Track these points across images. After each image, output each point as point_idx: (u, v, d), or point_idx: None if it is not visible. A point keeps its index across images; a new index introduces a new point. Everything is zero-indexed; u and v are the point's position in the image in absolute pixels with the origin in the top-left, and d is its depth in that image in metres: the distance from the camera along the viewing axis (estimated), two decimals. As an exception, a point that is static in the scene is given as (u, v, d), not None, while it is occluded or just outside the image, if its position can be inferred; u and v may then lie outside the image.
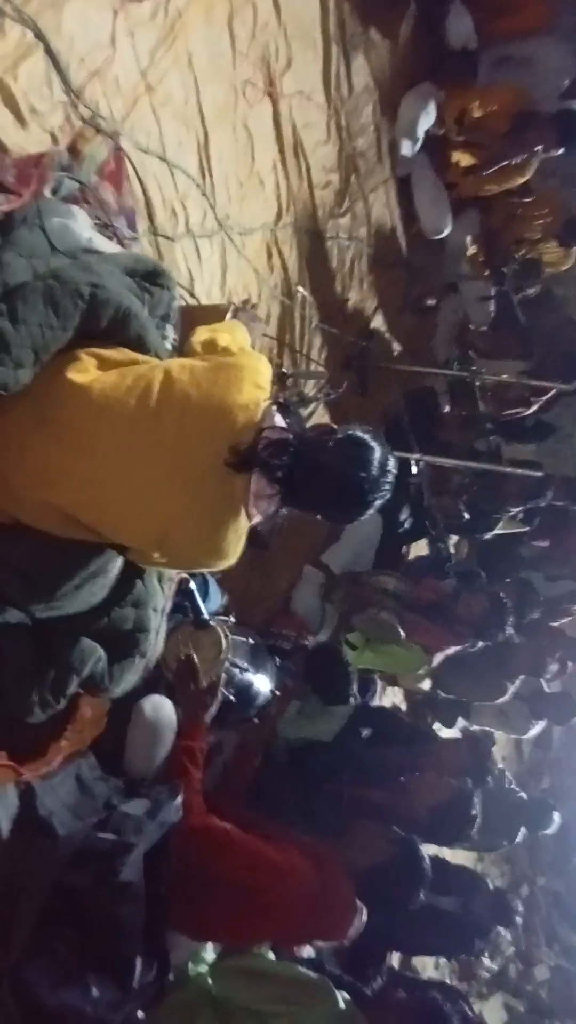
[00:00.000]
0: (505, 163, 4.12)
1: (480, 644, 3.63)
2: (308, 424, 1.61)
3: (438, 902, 3.60)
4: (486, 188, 4.38)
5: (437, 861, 3.79)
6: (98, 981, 1.84)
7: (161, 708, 2.15)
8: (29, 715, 1.64)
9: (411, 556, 4.65)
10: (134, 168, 2.26)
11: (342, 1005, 2.19)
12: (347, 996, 2.25)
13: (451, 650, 3.55)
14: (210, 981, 2.16)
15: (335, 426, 1.58)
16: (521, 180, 4.36)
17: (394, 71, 4.05)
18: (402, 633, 3.35)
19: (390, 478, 1.52)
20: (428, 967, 4.79)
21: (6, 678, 1.60)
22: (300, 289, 3.28)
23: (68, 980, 1.80)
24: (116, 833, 1.81)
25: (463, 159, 4.28)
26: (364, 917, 2.11)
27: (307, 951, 2.63)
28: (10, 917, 1.80)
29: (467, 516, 4.12)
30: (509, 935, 6.09)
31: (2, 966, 1.75)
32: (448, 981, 5.11)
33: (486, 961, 5.79)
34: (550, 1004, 6.68)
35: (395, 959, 4.02)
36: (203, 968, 2.20)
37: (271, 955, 2.32)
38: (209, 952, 2.26)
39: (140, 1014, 1.98)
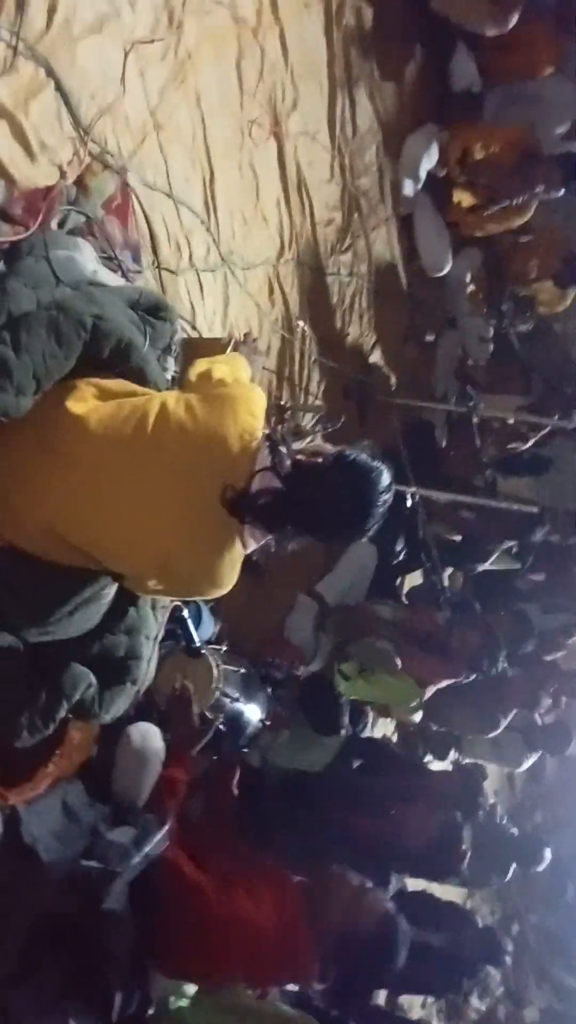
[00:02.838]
0: (507, 204, 4.20)
1: (472, 678, 3.63)
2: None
3: (426, 939, 3.56)
4: (487, 228, 4.46)
5: (425, 897, 3.77)
6: (79, 1012, 1.83)
7: (149, 736, 2.15)
8: (17, 739, 1.65)
9: (406, 587, 4.66)
10: (140, 203, 2.31)
11: (324, 1044, 2.17)
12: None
13: (443, 683, 3.55)
14: (189, 1017, 2.13)
15: (329, 447, 1.60)
16: (521, 221, 4.44)
17: (398, 112, 4.15)
18: (399, 662, 3.35)
19: (385, 496, 1.53)
20: (415, 1006, 4.72)
21: (-3, 702, 1.61)
22: (300, 323, 3.34)
23: (49, 1008, 1.79)
24: (101, 861, 1.81)
25: (465, 199, 4.36)
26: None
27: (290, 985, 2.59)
28: (-6, 944, 1.79)
29: (459, 538, 4.13)
30: (499, 974, 6.02)
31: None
32: (435, 1021, 5.04)
33: (475, 1001, 5.70)
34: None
35: (382, 996, 3.97)
36: (184, 1003, 2.17)
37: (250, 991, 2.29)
38: (191, 986, 2.24)
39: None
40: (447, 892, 4.16)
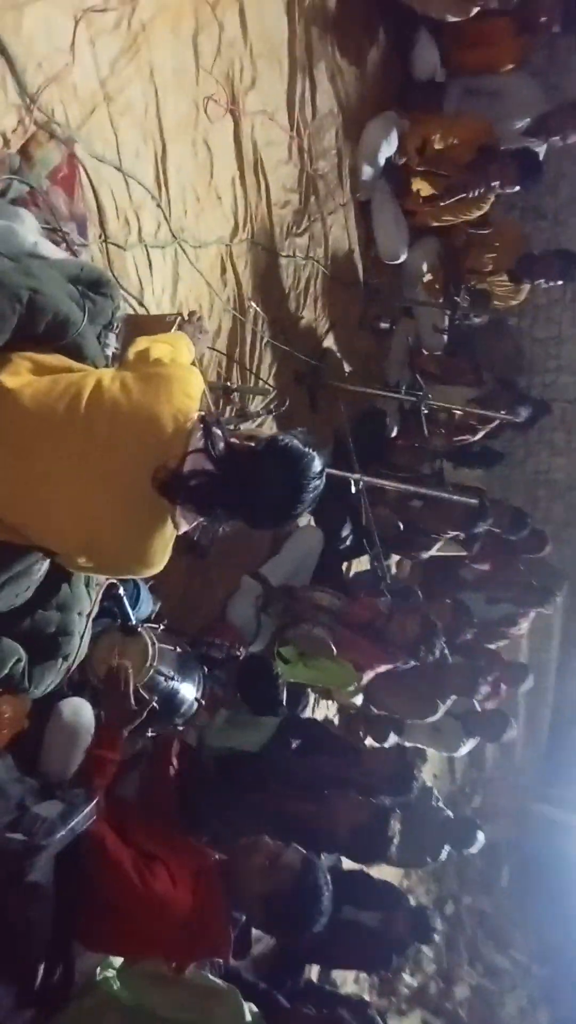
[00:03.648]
0: (463, 195, 4.23)
1: (412, 663, 3.69)
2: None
3: (358, 917, 3.64)
4: (444, 218, 4.49)
5: (359, 876, 3.84)
6: (1, 982, 1.83)
7: (81, 712, 2.15)
8: (-57, 712, 1.64)
9: (352, 573, 4.71)
10: (88, 175, 2.28)
11: (248, 1017, 2.21)
12: (254, 1008, 2.26)
13: (382, 668, 3.60)
14: (116, 986, 2.16)
15: (261, 432, 1.61)
16: (478, 213, 4.47)
17: (359, 96, 4.14)
18: (334, 649, 3.39)
19: (315, 482, 1.55)
20: (348, 981, 4.81)
21: None
22: (252, 304, 3.33)
23: (-29, 981, 1.79)
24: (27, 834, 1.80)
25: (423, 188, 4.38)
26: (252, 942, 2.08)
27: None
28: None
29: (401, 527, 4.18)
30: (431, 952, 6.16)
31: None
32: (367, 996, 5.14)
33: (406, 977, 5.83)
34: (469, 1023, 6.74)
35: (315, 971, 4.04)
36: (110, 973, 2.20)
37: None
38: (118, 959, 2.26)
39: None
40: (383, 872, 4.25)
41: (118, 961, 2.27)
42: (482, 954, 7.44)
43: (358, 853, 3.05)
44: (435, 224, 4.62)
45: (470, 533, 4.44)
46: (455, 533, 4.46)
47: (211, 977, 2.38)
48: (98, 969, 2.22)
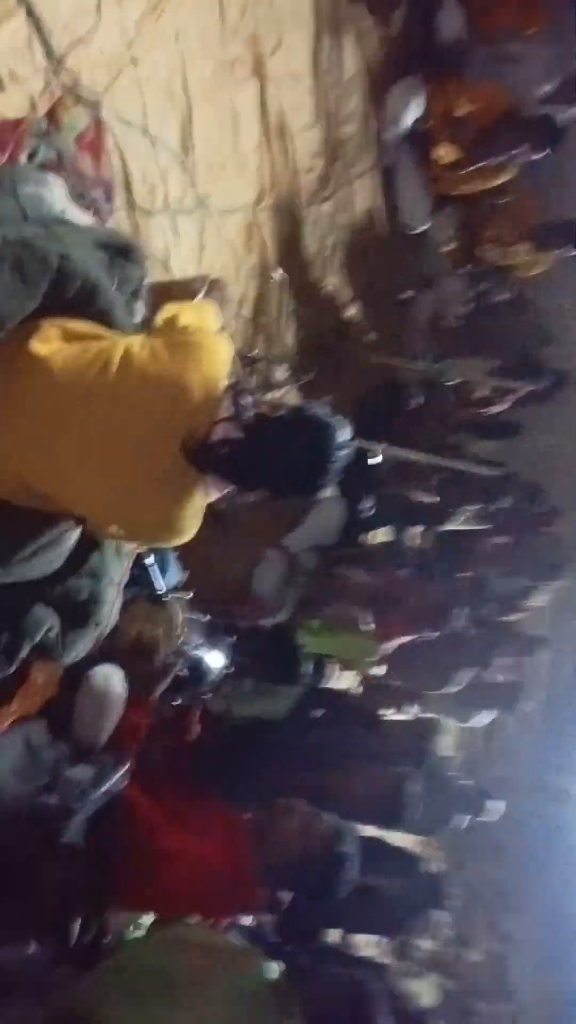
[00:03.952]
0: (485, 162, 4.16)
1: (432, 635, 3.70)
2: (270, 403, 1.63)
3: (377, 883, 3.69)
4: (465, 186, 4.41)
5: (377, 843, 3.89)
6: (36, 941, 1.88)
7: (111, 679, 2.18)
8: (-21, 678, 1.67)
9: (372, 544, 4.71)
10: (115, 139, 2.26)
11: (273, 975, 2.25)
12: (277, 966, 2.31)
13: (402, 639, 3.62)
14: (144, 947, 2.20)
15: (290, 401, 1.60)
16: (499, 181, 4.40)
17: (384, 60, 4.06)
18: (371, 626, 3.41)
19: (341, 452, 1.54)
20: (366, 945, 4.90)
21: (-44, 640, 1.62)
22: (279, 270, 3.29)
23: (7, 938, 1.83)
24: (61, 797, 1.84)
25: (446, 155, 4.30)
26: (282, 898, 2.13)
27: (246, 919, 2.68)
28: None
29: (425, 498, 4.17)
30: (446, 918, 6.25)
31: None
32: (384, 959, 5.24)
33: (423, 942, 5.93)
34: (482, 986, 6.87)
35: (334, 935, 4.11)
36: (140, 933, 2.25)
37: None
38: (146, 919, 2.31)
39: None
40: (402, 839, 4.30)
41: (147, 920, 2.32)
42: (495, 920, 7.55)
43: (379, 820, 3.08)
44: (458, 192, 4.55)
45: (490, 507, 4.43)
46: (475, 507, 4.45)
47: (234, 939, 2.43)
48: (130, 927, 2.27)
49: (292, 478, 1.57)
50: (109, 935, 2.11)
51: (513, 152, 4.09)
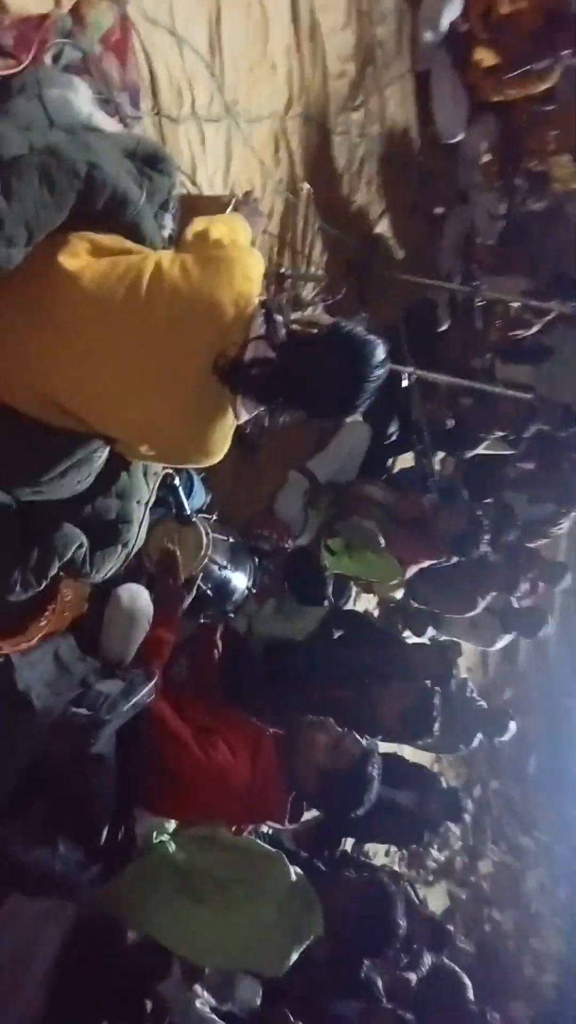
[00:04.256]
0: (528, 66, 3.93)
1: (455, 560, 3.71)
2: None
3: (393, 795, 3.81)
4: (506, 92, 4.19)
5: (396, 758, 4.01)
6: (67, 843, 1.97)
7: (138, 597, 2.22)
8: (10, 594, 1.70)
9: (396, 469, 4.68)
10: (140, 40, 2.15)
11: (294, 877, 2.36)
12: (299, 870, 2.42)
13: (425, 563, 3.63)
14: (171, 848, 2.31)
15: (326, 319, 1.56)
16: (544, 87, 4.16)
17: (422, -45, 3.81)
18: (382, 542, 3.42)
19: (378, 371, 1.51)
20: (379, 853, 5.12)
21: (-10, 556, 1.64)
22: (306, 185, 3.18)
23: (40, 840, 1.92)
24: (91, 709, 1.90)
25: (486, 58, 4.07)
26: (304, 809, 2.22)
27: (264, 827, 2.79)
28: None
29: (452, 423, 4.11)
30: (458, 830, 6.49)
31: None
32: (397, 867, 5.47)
33: (434, 852, 6.18)
34: (491, 895, 7.18)
35: (349, 843, 4.29)
36: (165, 837, 2.35)
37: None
38: (171, 824, 2.41)
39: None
40: (416, 756, 4.42)
41: (171, 825, 2.42)
42: (506, 834, 7.83)
43: (403, 733, 3.16)
44: (496, 99, 4.32)
45: (520, 434, 4.36)
46: (503, 432, 4.39)
47: (259, 842, 2.53)
48: (154, 833, 2.37)
49: (328, 398, 1.55)
50: (137, 838, 2.21)
51: (559, 56, 3.84)
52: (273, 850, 2.41)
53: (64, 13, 1.80)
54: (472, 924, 6.75)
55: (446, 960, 3.63)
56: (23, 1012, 2.04)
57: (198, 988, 2.48)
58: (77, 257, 1.52)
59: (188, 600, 2.15)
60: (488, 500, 4.86)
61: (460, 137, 4.33)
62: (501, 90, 4.18)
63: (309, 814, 2.65)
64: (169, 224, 1.86)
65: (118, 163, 1.61)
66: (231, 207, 2.12)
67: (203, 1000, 2.45)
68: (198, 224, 1.69)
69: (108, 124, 1.80)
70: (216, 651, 2.69)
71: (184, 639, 2.68)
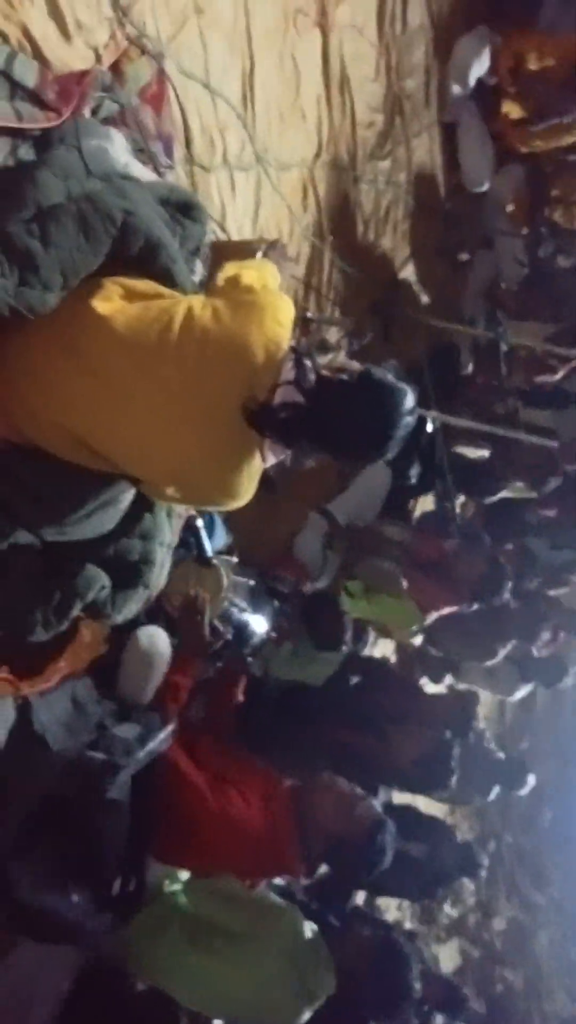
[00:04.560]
0: (557, 119, 3.99)
1: (476, 606, 3.67)
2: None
3: (407, 848, 3.72)
4: (534, 143, 4.25)
5: (410, 810, 3.93)
6: (78, 889, 1.93)
7: (156, 639, 2.20)
8: (31, 634, 1.68)
9: (417, 512, 4.66)
10: (175, 92, 2.20)
11: (308, 933, 2.29)
12: (313, 925, 2.35)
13: (446, 610, 3.59)
14: (182, 899, 2.26)
15: (355, 364, 1.56)
16: (571, 139, 4.22)
17: (451, 11, 3.90)
18: (404, 584, 3.39)
19: (408, 418, 1.51)
20: (391, 908, 4.98)
21: (12, 596, 1.63)
22: (329, 237, 3.21)
23: (49, 884, 1.88)
24: (107, 753, 1.87)
25: (513, 111, 4.14)
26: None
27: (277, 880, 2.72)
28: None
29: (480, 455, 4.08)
30: (472, 885, 6.32)
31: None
32: (409, 922, 5.33)
33: (447, 907, 6.01)
34: (504, 953, 6.97)
35: (360, 897, 4.18)
36: (177, 887, 2.30)
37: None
38: (184, 873, 2.36)
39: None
40: (430, 807, 4.33)
41: (184, 875, 2.37)
42: (520, 889, 7.62)
43: (418, 783, 3.10)
44: (524, 150, 4.38)
45: (540, 485, 4.35)
46: (519, 484, 4.37)
47: (271, 895, 2.47)
48: (166, 882, 2.32)
49: (357, 444, 1.54)
50: (148, 888, 2.16)
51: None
52: (284, 904, 2.35)
53: (104, 69, 1.84)
54: (484, 983, 6.54)
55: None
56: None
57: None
58: (110, 301, 1.54)
59: (213, 646, 2.13)
60: (510, 545, 4.82)
61: (486, 187, 4.39)
62: (529, 141, 4.24)
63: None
64: (200, 270, 1.89)
65: (153, 210, 1.64)
66: (261, 253, 2.14)
67: (210, 1057, 2.38)
68: (229, 269, 1.71)
69: (143, 173, 1.83)
70: (235, 701, 2.66)
71: (202, 680, 2.65)
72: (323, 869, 3.16)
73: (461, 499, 5.10)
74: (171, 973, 2.16)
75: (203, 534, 2.25)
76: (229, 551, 2.64)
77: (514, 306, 4.77)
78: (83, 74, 1.73)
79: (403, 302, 3.97)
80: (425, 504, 4.70)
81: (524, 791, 4.44)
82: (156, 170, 2.07)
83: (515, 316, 4.66)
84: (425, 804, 4.12)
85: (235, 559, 2.48)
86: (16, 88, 1.61)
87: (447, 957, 5.94)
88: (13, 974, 2.08)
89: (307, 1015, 2.19)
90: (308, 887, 3.27)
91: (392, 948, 2.41)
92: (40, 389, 1.54)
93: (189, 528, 2.22)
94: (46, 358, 1.53)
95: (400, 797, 3.82)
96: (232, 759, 2.28)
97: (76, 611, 1.74)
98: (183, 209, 1.77)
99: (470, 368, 4.54)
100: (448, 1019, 3.49)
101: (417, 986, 2.36)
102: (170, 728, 1.98)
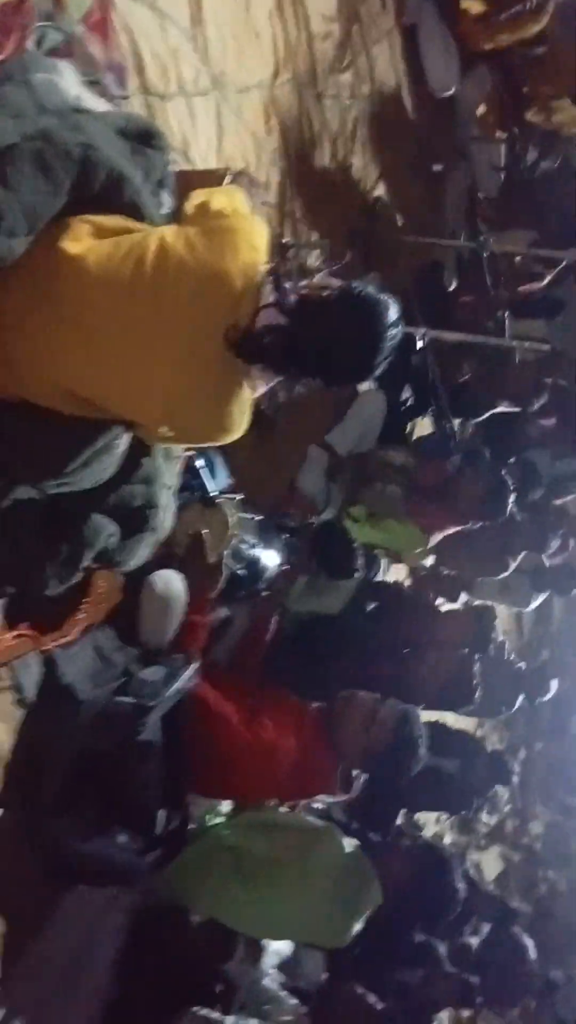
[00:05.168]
0: (519, 8, 3.82)
1: (480, 524, 3.66)
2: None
3: (439, 764, 3.80)
4: (498, 38, 4.08)
5: (438, 726, 3.99)
6: (123, 832, 1.98)
7: (171, 582, 2.21)
8: (45, 588, 1.69)
9: (416, 436, 4.63)
10: (121, 18, 2.11)
11: (348, 849, 2.36)
12: (354, 841, 2.42)
13: (451, 530, 3.59)
14: (225, 832, 2.32)
15: (334, 281, 1.53)
16: (536, 28, 4.05)
17: None
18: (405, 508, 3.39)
19: (393, 331, 1.48)
20: (430, 822, 5.12)
21: (22, 552, 1.63)
22: (299, 155, 3.11)
23: (95, 832, 1.93)
24: (135, 697, 1.90)
25: (473, 6, 3.98)
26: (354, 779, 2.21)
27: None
28: (38, 777, 1.92)
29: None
30: (507, 793, 6.48)
31: (33, 822, 1.88)
32: (449, 834, 5.49)
33: (485, 817, 6.17)
34: (544, 855, 7.19)
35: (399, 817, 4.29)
36: (219, 820, 2.36)
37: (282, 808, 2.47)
38: (225, 806, 2.41)
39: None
40: (458, 721, 4.41)
41: (225, 807, 2.43)
42: (554, 794, 7.81)
43: (445, 702, 3.15)
44: (488, 47, 4.21)
45: (527, 408, 4.30)
46: (506, 408, 4.33)
47: (310, 818, 2.53)
48: (207, 816, 2.38)
49: (344, 361, 1.51)
50: (192, 823, 2.22)
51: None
52: (324, 824, 2.41)
53: (42, -5, 1.76)
54: (527, 885, 6.77)
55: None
56: (96, 998, 2.07)
57: (264, 966, 2.49)
58: (79, 241, 1.50)
59: (221, 582, 2.15)
60: (511, 459, 4.79)
61: (453, 91, 4.23)
62: (492, 36, 4.08)
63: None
64: (168, 202, 1.83)
65: (111, 143, 1.58)
66: (228, 180, 2.08)
67: (271, 977, 2.47)
68: (198, 196, 1.66)
69: (96, 104, 1.77)
70: (265, 639, 2.68)
71: (222, 621, 2.67)
72: (360, 788, 3.25)
73: (457, 421, 5.05)
74: (223, 904, 2.24)
75: (205, 473, 2.23)
76: (233, 492, 2.63)
77: (494, 215, 4.65)
78: (20, 3, 1.65)
79: (381, 222, 3.87)
80: (423, 428, 4.66)
81: (547, 697, 4.51)
82: (110, 102, 2.00)
83: (497, 225, 4.55)
84: (453, 720, 4.19)
85: (239, 497, 2.47)
86: (-47, 25, 1.53)
87: (489, 864, 6.12)
88: (75, 920, 2.15)
89: (357, 927, 2.27)
90: (353, 810, 3.35)
91: (433, 854, 2.48)
92: (20, 342, 1.51)
93: (190, 470, 2.20)
94: (22, 309, 1.50)
95: (428, 715, 3.89)
96: (258, 691, 2.31)
97: (87, 561, 1.74)
98: (143, 138, 1.70)
99: (455, 283, 4.44)
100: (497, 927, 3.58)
101: (461, 887, 2.43)
102: (194, 666, 2.01)
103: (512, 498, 3.64)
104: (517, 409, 4.76)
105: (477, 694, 3.00)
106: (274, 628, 2.65)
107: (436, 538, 3.64)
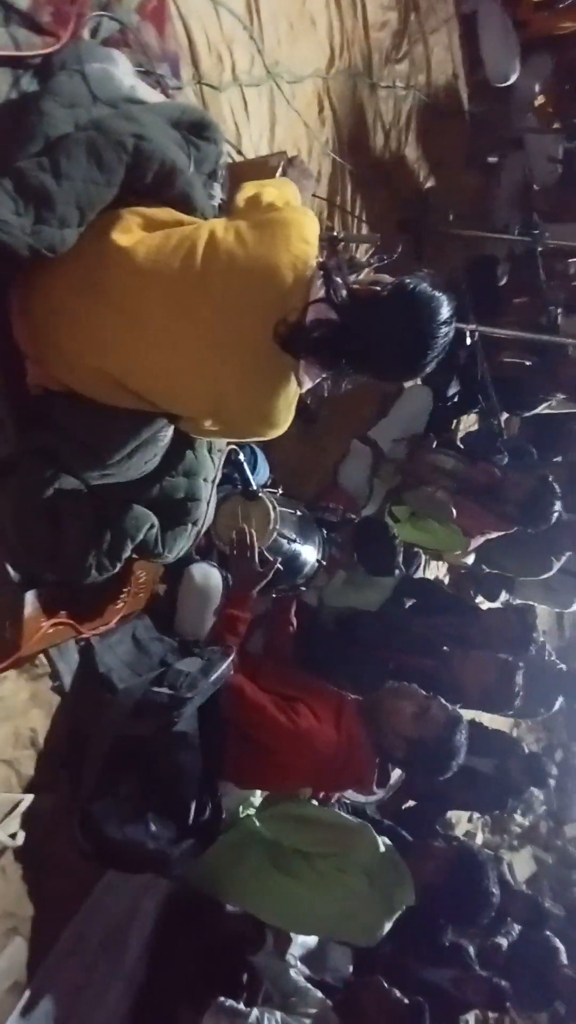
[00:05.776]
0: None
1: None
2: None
3: (475, 763, 3.77)
4: (560, 25, 3.97)
5: (475, 725, 3.95)
6: (158, 820, 1.99)
7: (210, 575, 2.21)
8: (86, 577, 1.70)
9: (462, 432, 4.57)
10: (177, 7, 2.09)
11: (383, 848, 2.35)
12: (388, 841, 2.40)
13: (492, 535, 3.54)
14: (258, 823, 2.32)
15: (385, 277, 1.50)
16: (601, 14, 3.94)
17: None
18: (454, 512, 3.34)
19: (446, 328, 1.45)
20: (462, 821, 5.08)
21: (65, 542, 1.65)
22: (352, 145, 3.06)
23: (131, 819, 1.95)
24: (172, 688, 1.91)
25: (535, -8, 3.87)
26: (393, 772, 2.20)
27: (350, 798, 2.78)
28: (78, 763, 1.94)
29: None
30: (542, 795, 6.40)
31: (73, 806, 1.91)
32: (481, 834, 5.44)
33: (518, 817, 6.11)
34: (579, 858, 7.08)
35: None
36: (251, 811, 2.36)
37: (314, 801, 2.47)
38: (257, 797, 2.42)
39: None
40: (495, 721, 4.36)
41: (258, 800, 2.44)
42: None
43: (485, 705, 3.11)
44: (549, 35, 4.11)
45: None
46: (561, 398, 4.23)
47: (344, 815, 2.53)
48: (240, 807, 2.39)
49: (394, 358, 1.49)
50: (225, 813, 2.22)
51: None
52: (359, 821, 2.40)
53: (100, -16, 1.76)
54: (560, 888, 6.68)
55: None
56: (127, 980, 2.10)
57: (291, 958, 2.50)
58: (130, 232, 1.50)
59: (265, 578, 2.14)
60: (558, 458, 4.70)
61: (512, 79, 4.13)
62: (554, 23, 3.97)
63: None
64: (218, 193, 1.82)
65: (164, 133, 1.58)
66: (279, 171, 2.06)
67: (297, 969, 2.48)
68: (249, 189, 1.64)
69: (151, 95, 1.76)
70: (290, 627, 2.68)
71: (258, 615, 2.67)
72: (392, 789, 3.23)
73: (504, 416, 4.97)
74: (255, 895, 2.25)
75: (246, 467, 2.23)
76: (274, 485, 2.62)
77: (550, 208, 4.54)
78: (77, -8, 1.65)
79: (432, 214, 3.80)
80: (468, 424, 4.60)
81: (587, 701, 4.43)
82: (164, 92, 1.99)
83: (552, 218, 4.44)
84: (489, 719, 4.15)
85: (280, 491, 2.46)
86: (10, 12, 1.54)
87: (521, 865, 6.06)
88: (108, 904, 2.18)
89: (388, 926, 2.26)
90: (382, 809, 3.34)
91: (468, 856, 2.46)
92: (71, 333, 1.52)
93: (232, 463, 2.20)
94: (72, 300, 1.50)
95: (466, 713, 3.84)
96: (295, 681, 2.31)
97: (128, 552, 1.75)
98: (196, 130, 1.70)
99: (506, 278, 4.35)
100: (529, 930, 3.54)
101: (496, 892, 2.40)
102: (231, 657, 2.01)
103: (557, 504, 3.57)
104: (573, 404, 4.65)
105: (517, 701, 2.95)
106: (296, 619, 2.63)
107: (477, 541, 3.59)
